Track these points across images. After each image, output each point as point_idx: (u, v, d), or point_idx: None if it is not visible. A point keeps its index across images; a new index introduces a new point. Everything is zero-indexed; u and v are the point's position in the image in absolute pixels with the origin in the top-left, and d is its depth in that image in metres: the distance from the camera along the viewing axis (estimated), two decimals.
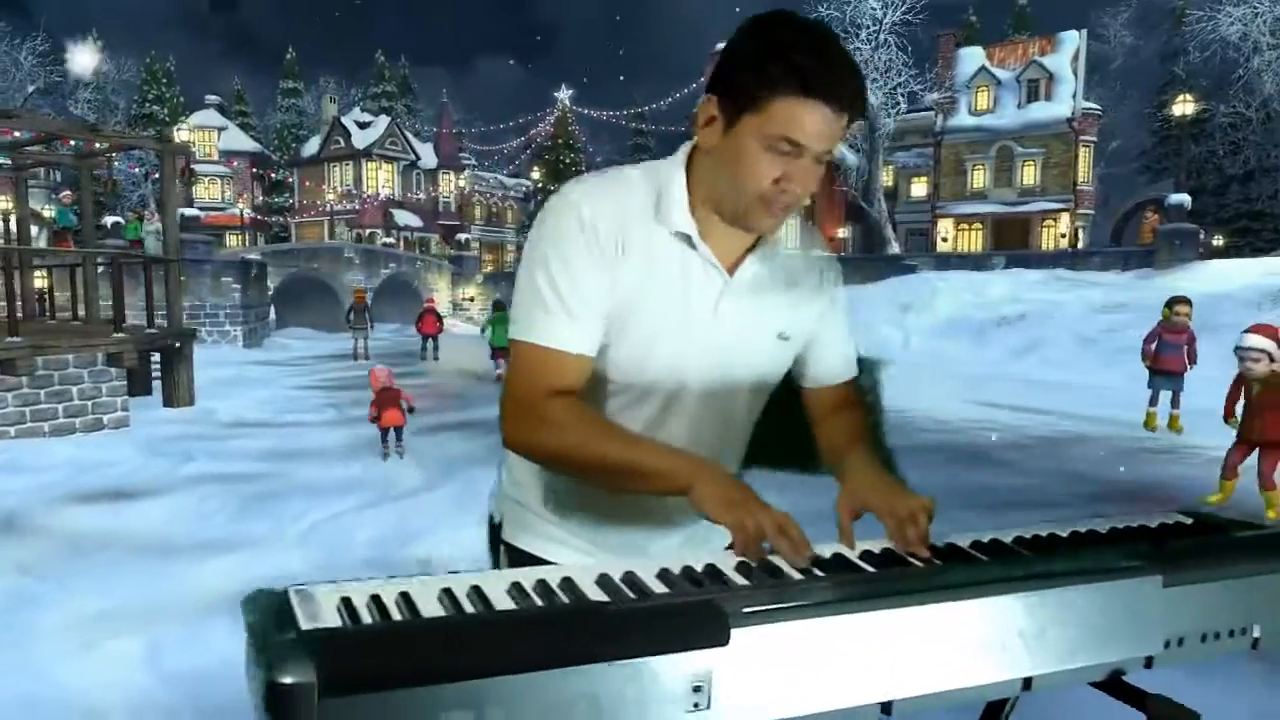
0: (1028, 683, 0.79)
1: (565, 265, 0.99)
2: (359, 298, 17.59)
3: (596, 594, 0.78)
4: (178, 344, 9.63)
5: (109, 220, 20.00)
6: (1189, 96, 21.33)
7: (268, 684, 0.52)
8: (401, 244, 40.99)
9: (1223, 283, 16.88)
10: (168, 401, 9.68)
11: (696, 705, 0.64)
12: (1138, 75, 37.53)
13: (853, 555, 0.94)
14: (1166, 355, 7.16)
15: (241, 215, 42.17)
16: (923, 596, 0.74)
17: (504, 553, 1.27)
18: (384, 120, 44.53)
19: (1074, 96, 31.47)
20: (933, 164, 34.08)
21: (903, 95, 29.41)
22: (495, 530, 1.29)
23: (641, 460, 0.99)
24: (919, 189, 35.86)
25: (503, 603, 0.74)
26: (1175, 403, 7.21)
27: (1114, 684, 0.86)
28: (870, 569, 0.90)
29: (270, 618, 0.61)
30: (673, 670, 0.63)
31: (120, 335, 8.36)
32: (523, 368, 1.02)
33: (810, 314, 1.15)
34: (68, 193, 20.35)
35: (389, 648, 0.57)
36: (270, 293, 22.97)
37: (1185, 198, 19.08)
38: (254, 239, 42.21)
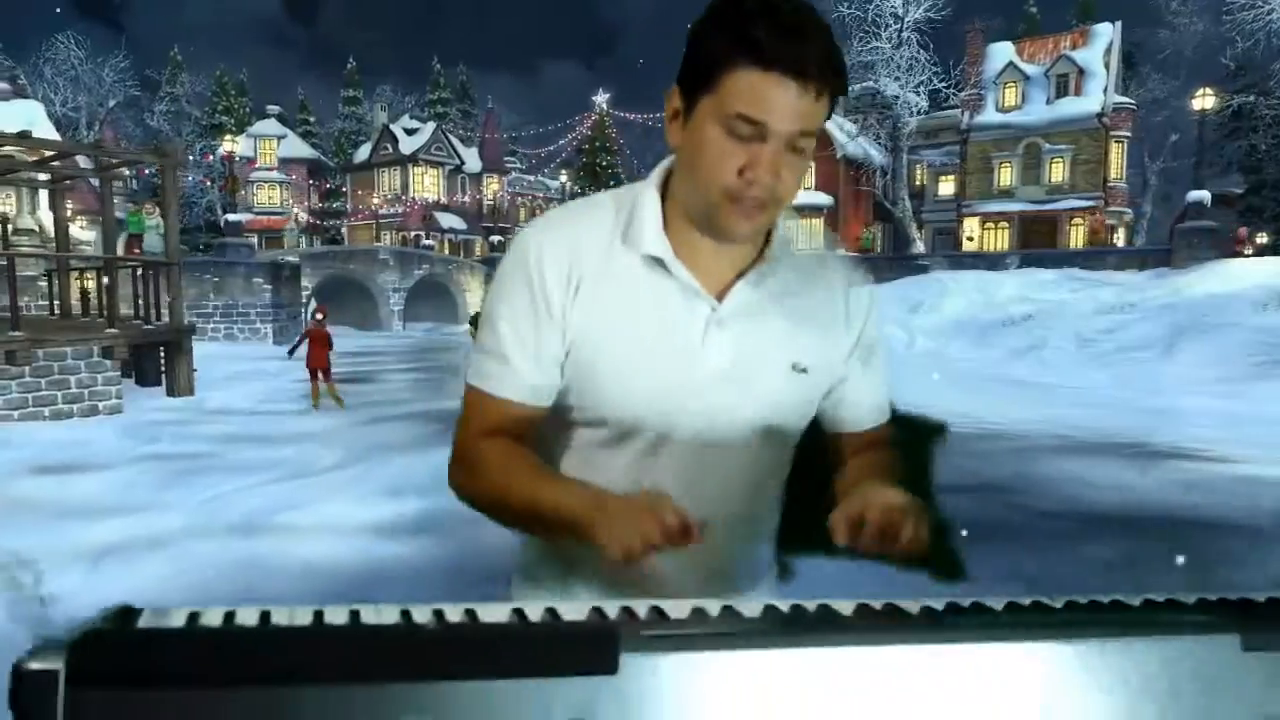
0: None
1: (506, 313, 0.96)
2: None
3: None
4: (177, 339, 10.65)
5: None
6: (1209, 90, 20.62)
7: (12, 668, 0.46)
8: (446, 246, 42.55)
9: (1235, 282, 16.48)
10: (170, 392, 10.71)
11: None
12: (1205, 66, 35.79)
13: (842, 606, 0.71)
14: None
15: (297, 219, 44.43)
16: (891, 636, 0.58)
17: None
18: (430, 126, 46.19)
19: (1105, 91, 30.60)
20: (959, 162, 33.59)
21: (925, 93, 29.10)
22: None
23: (543, 497, 0.89)
24: (947, 187, 35.36)
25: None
26: None
27: None
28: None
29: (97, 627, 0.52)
30: (543, 700, 0.53)
31: (113, 330, 9.36)
32: (462, 413, 1.00)
33: (834, 346, 1.01)
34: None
35: (169, 646, 0.49)
36: (307, 292, 24.40)
37: (1205, 194, 18.57)
38: (310, 242, 44.35)
